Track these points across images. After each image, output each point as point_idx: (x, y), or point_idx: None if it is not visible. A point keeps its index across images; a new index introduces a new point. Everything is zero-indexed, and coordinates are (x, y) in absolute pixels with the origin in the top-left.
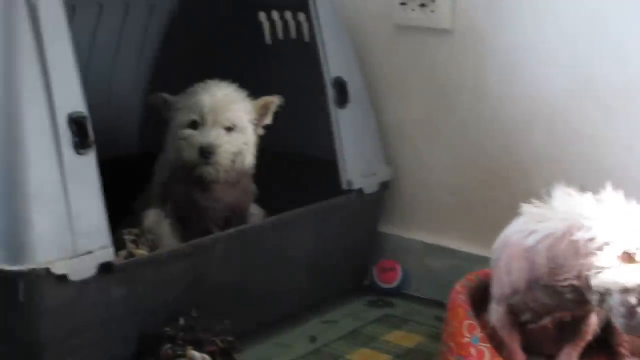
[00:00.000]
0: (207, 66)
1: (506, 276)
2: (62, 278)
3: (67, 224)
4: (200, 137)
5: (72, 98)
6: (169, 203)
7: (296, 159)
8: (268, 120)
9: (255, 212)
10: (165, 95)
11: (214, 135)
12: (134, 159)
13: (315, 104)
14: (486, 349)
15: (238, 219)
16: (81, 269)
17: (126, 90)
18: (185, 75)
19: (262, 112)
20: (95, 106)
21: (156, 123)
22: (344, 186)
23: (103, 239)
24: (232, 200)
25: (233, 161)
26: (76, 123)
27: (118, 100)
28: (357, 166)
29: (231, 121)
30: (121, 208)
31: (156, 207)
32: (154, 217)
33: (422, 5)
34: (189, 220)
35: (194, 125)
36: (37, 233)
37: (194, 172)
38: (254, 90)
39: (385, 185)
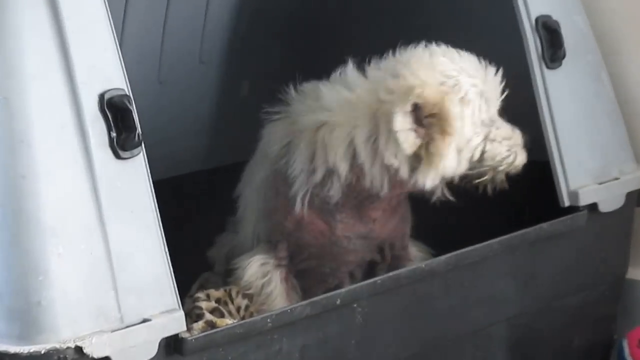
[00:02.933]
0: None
1: None
2: None
3: (105, 275)
4: None
5: (105, 68)
6: (281, 243)
7: None
8: None
9: (416, 252)
10: None
11: None
12: (202, 179)
13: (506, 63)
14: None
15: (388, 263)
16: (134, 348)
17: (188, 78)
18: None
19: None
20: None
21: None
22: (565, 202)
23: (167, 299)
24: (387, 234)
25: None
26: (114, 108)
27: (175, 90)
28: (585, 167)
29: None
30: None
31: (259, 252)
32: (258, 268)
33: None
34: (310, 271)
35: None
36: (58, 292)
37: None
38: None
39: (635, 198)
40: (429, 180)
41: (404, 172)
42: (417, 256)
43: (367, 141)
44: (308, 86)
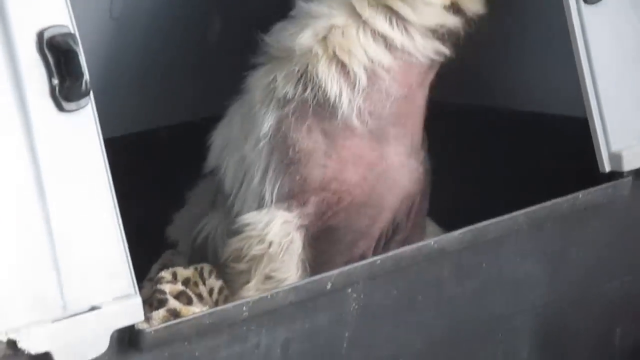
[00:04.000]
0: None
1: None
2: (43, 359)
3: (44, 254)
4: None
5: (48, 4)
6: (312, 198)
7: (500, 115)
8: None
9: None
10: None
11: None
12: (163, 137)
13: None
14: None
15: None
16: (80, 341)
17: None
18: None
19: None
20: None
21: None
22: (605, 166)
23: (120, 283)
24: (415, 189)
25: None
26: (56, 50)
27: (131, 28)
28: (630, 126)
29: None
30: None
31: (280, 207)
32: (281, 226)
33: None
34: (335, 234)
35: None
36: None
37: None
38: None
39: None
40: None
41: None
42: (431, 232)
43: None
44: (285, 22)
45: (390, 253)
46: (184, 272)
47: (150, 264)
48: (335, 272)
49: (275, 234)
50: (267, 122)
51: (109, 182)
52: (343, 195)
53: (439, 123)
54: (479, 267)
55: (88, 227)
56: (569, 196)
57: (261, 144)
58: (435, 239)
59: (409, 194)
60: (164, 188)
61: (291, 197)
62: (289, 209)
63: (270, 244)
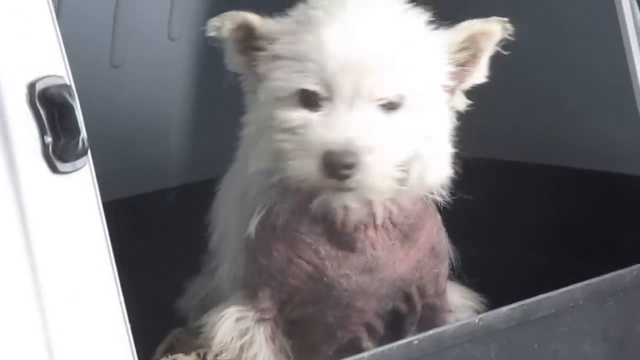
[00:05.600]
0: None
1: None
2: None
3: (36, 337)
4: (325, 127)
5: (38, 49)
6: (262, 289)
7: (551, 173)
8: (480, 76)
9: (459, 299)
10: (252, 18)
11: (358, 123)
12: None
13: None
14: None
15: (419, 314)
16: None
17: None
18: None
19: (467, 58)
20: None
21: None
22: None
23: None
24: (407, 271)
25: (403, 179)
26: (50, 103)
27: (134, 77)
28: None
29: (395, 90)
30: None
31: (236, 302)
32: (233, 325)
33: None
34: (311, 322)
35: (308, 100)
36: None
37: (315, 208)
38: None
39: None
40: None
41: None
42: (461, 306)
43: None
44: None
45: (431, 332)
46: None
47: (157, 343)
48: (366, 354)
49: (226, 334)
50: (237, 189)
51: (109, 253)
52: (292, 293)
53: (482, 180)
54: (531, 348)
55: (85, 305)
56: (634, 267)
57: (232, 212)
58: (480, 316)
59: (380, 302)
60: (174, 255)
61: (246, 285)
62: (243, 302)
63: (224, 345)
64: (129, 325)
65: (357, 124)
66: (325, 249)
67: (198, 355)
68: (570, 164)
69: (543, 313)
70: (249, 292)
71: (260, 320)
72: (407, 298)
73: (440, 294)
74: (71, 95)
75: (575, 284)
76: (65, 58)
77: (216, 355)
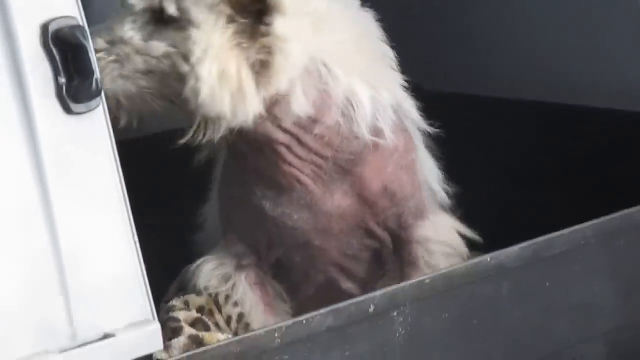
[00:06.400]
0: None
1: None
2: None
3: (51, 276)
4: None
5: None
6: (233, 235)
7: (561, 111)
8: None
9: (426, 233)
10: None
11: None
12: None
13: None
14: None
15: (391, 246)
16: None
17: None
18: None
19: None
20: None
21: None
22: None
23: (136, 308)
24: (354, 205)
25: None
26: (64, 44)
27: None
28: None
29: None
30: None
31: (216, 250)
32: (211, 272)
33: None
34: (287, 267)
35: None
36: None
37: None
38: None
39: None
40: None
41: None
42: (433, 239)
43: None
44: None
45: (442, 271)
46: (196, 300)
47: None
48: (378, 293)
49: (205, 280)
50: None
51: (124, 193)
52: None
53: (482, 119)
54: (542, 286)
55: (99, 244)
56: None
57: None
58: (492, 255)
59: (343, 241)
60: (188, 194)
61: (222, 238)
62: (222, 250)
63: (210, 290)
64: (143, 266)
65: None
66: (259, 189)
67: (210, 296)
68: (571, 101)
69: (554, 252)
70: (224, 240)
71: (239, 267)
72: (370, 233)
73: (407, 228)
74: (85, 36)
75: (586, 223)
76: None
77: (228, 297)
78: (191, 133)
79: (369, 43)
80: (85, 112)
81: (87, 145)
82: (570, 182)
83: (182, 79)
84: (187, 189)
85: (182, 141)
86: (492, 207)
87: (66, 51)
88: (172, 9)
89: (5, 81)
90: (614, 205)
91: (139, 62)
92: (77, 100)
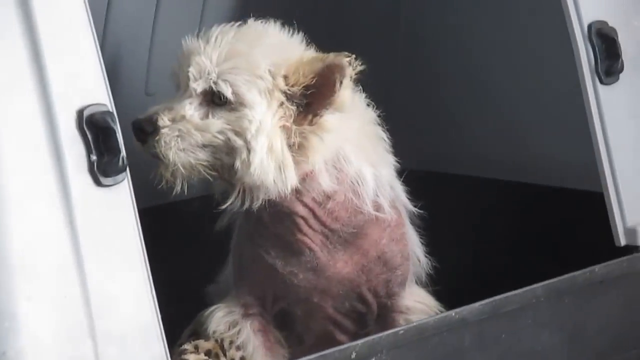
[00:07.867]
0: None
1: None
2: None
3: (82, 322)
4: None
5: (85, 80)
6: (243, 288)
7: (522, 189)
8: (339, 107)
9: (412, 302)
10: None
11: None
12: (197, 207)
13: (555, 75)
14: None
15: (375, 312)
16: None
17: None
18: None
19: (311, 79)
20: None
21: None
22: (621, 240)
23: (154, 350)
24: (351, 273)
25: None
26: (95, 127)
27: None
28: None
29: (218, 85)
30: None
31: (227, 300)
32: (221, 319)
33: None
34: (289, 318)
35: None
36: (27, 341)
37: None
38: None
39: None
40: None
41: None
42: (412, 308)
43: None
44: None
45: (414, 323)
46: (205, 344)
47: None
48: (359, 341)
49: (216, 325)
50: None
51: (144, 253)
52: (265, 289)
53: (458, 196)
54: (499, 337)
55: (123, 295)
56: (586, 269)
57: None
58: (457, 310)
59: (338, 300)
60: (205, 252)
61: (233, 288)
62: (232, 300)
63: (218, 335)
64: (159, 314)
65: (170, 103)
66: (274, 250)
67: (216, 341)
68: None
69: (510, 307)
70: (234, 291)
71: (246, 315)
72: (361, 298)
73: (392, 296)
74: (113, 120)
75: (537, 284)
76: (109, 89)
77: (232, 342)
78: (232, 199)
79: (371, 127)
80: (112, 185)
81: (114, 212)
82: (524, 249)
83: (231, 152)
84: (203, 248)
85: (224, 206)
86: (458, 269)
87: (97, 133)
88: (228, 93)
89: (46, 157)
90: (561, 269)
91: (198, 137)
92: (106, 175)
